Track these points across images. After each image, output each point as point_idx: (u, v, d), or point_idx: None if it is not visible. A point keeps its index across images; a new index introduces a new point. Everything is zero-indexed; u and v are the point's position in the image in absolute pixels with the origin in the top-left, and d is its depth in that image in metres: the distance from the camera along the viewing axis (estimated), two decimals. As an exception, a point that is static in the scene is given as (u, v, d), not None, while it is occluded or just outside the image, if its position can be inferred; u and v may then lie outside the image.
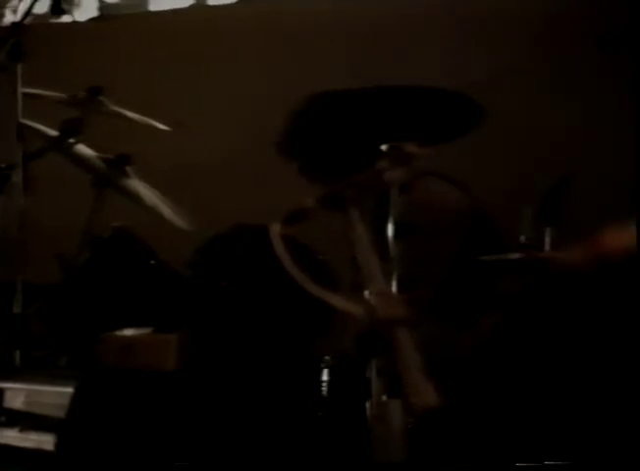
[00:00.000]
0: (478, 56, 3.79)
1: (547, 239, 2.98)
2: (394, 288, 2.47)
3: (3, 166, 3.34)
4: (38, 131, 3.40)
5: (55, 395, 2.99)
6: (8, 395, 3.02)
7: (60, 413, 2.86)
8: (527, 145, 3.72)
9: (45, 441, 2.90)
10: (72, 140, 3.31)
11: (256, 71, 4.06)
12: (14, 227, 3.38)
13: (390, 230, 2.53)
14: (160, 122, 3.45)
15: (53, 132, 3.35)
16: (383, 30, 3.96)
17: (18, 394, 3.02)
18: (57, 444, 2.82)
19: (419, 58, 3.73)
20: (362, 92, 2.88)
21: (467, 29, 3.84)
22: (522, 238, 2.97)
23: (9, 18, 4.18)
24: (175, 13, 4.23)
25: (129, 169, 3.36)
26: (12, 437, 2.96)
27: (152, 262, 3.44)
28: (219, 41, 4.13)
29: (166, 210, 3.36)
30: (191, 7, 4.22)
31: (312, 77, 3.73)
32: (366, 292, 2.45)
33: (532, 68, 3.69)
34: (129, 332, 3.23)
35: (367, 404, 2.42)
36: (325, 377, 3.00)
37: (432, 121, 2.90)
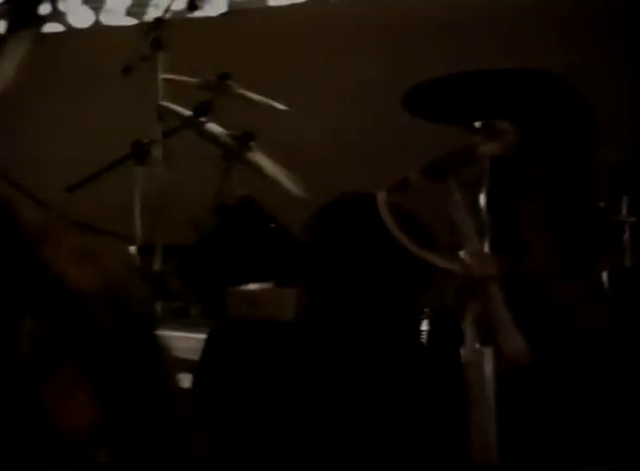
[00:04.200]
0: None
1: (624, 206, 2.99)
2: (486, 249, 2.52)
3: (145, 141, 3.40)
4: (175, 112, 3.44)
5: (190, 341, 3.04)
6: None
7: (194, 356, 2.92)
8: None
9: (183, 379, 2.83)
10: (203, 119, 3.34)
11: (363, 60, 4.06)
12: (155, 194, 3.44)
13: (482, 197, 2.57)
14: (279, 103, 3.45)
15: (188, 113, 3.38)
16: (470, 22, 3.93)
17: (158, 340, 3.04)
18: (194, 383, 2.89)
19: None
20: (461, 75, 2.88)
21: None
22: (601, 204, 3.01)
23: (152, 14, 4.23)
24: (292, 8, 4.23)
25: (252, 144, 3.37)
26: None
27: (273, 225, 3.47)
28: (329, 32, 4.13)
29: (285, 180, 3.37)
30: (307, 2, 4.22)
31: (409, 66, 3.73)
32: (462, 252, 2.48)
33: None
34: (253, 286, 3.28)
35: (462, 351, 2.43)
36: (425, 327, 3.02)
37: (522, 100, 2.87)
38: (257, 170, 3.37)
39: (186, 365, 2.92)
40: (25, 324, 0.91)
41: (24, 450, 0.86)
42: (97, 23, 4.76)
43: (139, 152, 3.38)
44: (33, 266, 0.93)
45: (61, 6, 4.66)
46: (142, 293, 1.11)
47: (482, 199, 2.57)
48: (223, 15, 4.42)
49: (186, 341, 3.03)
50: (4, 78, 0.97)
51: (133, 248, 3.42)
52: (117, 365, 0.96)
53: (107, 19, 4.76)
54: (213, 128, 3.38)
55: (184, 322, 3.25)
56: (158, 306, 3.28)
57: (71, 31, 4.71)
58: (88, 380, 0.93)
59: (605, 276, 2.95)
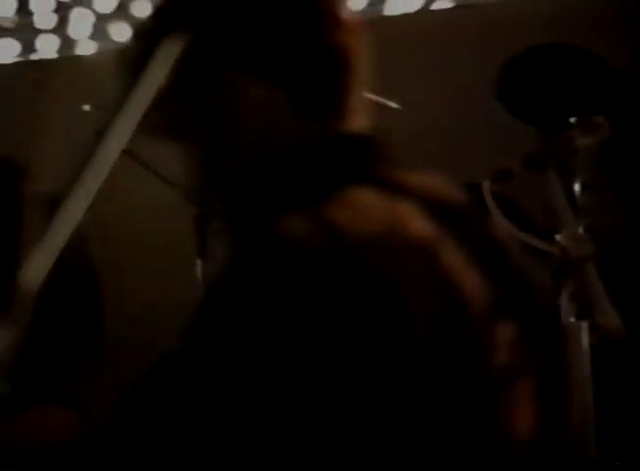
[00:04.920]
0: None
1: None
2: (581, 231, 2.61)
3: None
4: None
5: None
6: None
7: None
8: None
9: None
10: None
11: (466, 64, 4.12)
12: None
13: (577, 186, 2.68)
14: (394, 103, 3.45)
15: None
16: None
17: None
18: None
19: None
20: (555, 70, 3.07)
21: None
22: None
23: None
24: (404, 16, 4.34)
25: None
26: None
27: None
28: (438, 38, 4.22)
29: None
30: (417, 12, 4.34)
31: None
32: (559, 235, 2.60)
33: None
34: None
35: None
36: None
37: (616, 97, 3.06)
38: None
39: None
40: (503, 333, 0.90)
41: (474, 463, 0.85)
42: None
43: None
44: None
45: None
46: None
47: (577, 187, 2.68)
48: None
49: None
50: (155, 85, 1.01)
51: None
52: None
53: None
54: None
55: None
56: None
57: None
58: (537, 390, 0.89)
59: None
